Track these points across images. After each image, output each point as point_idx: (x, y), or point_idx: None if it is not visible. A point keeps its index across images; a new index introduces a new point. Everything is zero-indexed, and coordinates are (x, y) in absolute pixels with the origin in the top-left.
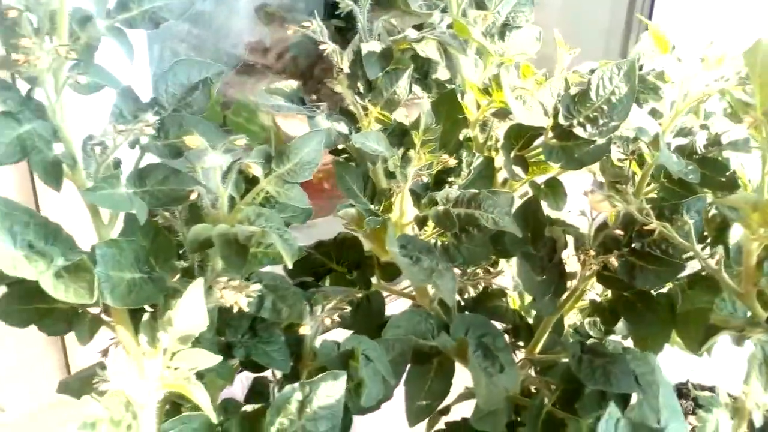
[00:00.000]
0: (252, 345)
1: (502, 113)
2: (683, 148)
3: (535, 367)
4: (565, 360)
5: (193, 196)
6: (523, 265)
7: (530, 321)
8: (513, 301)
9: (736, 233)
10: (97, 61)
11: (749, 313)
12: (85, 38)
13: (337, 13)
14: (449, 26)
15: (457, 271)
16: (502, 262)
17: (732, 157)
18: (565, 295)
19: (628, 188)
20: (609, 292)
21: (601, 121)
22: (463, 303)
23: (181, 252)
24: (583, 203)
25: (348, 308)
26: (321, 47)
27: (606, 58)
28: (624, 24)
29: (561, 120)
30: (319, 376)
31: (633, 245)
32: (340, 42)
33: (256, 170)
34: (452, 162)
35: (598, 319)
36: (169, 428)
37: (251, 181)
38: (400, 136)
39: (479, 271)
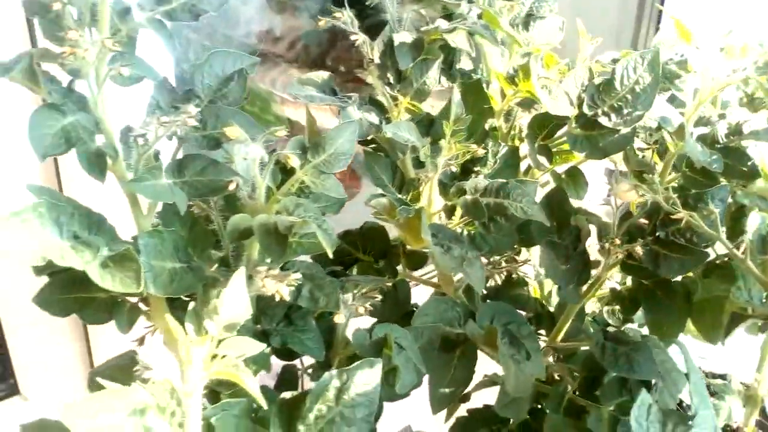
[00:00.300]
0: (287, 333)
1: (527, 103)
2: (705, 137)
3: (558, 354)
4: (586, 348)
5: (232, 187)
6: (548, 253)
7: (551, 309)
8: (534, 289)
9: (753, 222)
10: None
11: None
12: (126, 30)
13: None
14: (479, 16)
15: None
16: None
17: (751, 146)
18: (588, 284)
19: (654, 177)
20: (628, 281)
21: (625, 111)
22: (485, 291)
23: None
24: (598, 192)
25: (379, 297)
26: (352, 38)
27: (617, 48)
28: (635, 13)
29: (585, 109)
30: (356, 363)
31: (657, 234)
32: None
33: (294, 161)
34: (481, 152)
35: (617, 307)
36: (211, 414)
37: (286, 172)
38: (427, 126)
39: (499, 259)
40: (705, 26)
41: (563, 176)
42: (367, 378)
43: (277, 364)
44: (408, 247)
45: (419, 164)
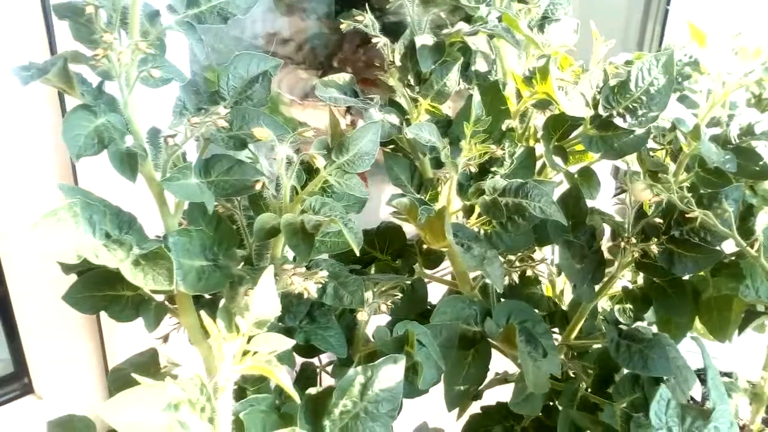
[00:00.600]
0: (311, 330)
1: (543, 104)
2: (717, 137)
3: (572, 352)
4: (598, 346)
5: (258, 186)
6: (564, 252)
7: (564, 308)
8: (547, 288)
9: (761, 221)
10: None
11: None
12: (155, 33)
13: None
14: (498, 19)
15: None
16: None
17: (761, 146)
18: (602, 282)
19: (669, 177)
20: (639, 280)
21: (640, 112)
22: (500, 291)
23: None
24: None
25: (399, 295)
26: (374, 40)
27: (624, 49)
28: (642, 14)
29: (601, 110)
30: (380, 359)
31: (672, 233)
32: (360, 33)
33: (320, 161)
34: (499, 152)
35: (627, 306)
36: (240, 410)
37: (309, 172)
38: (445, 127)
39: (512, 258)
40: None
41: (576, 176)
42: (390, 374)
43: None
44: (424, 246)
45: (437, 165)
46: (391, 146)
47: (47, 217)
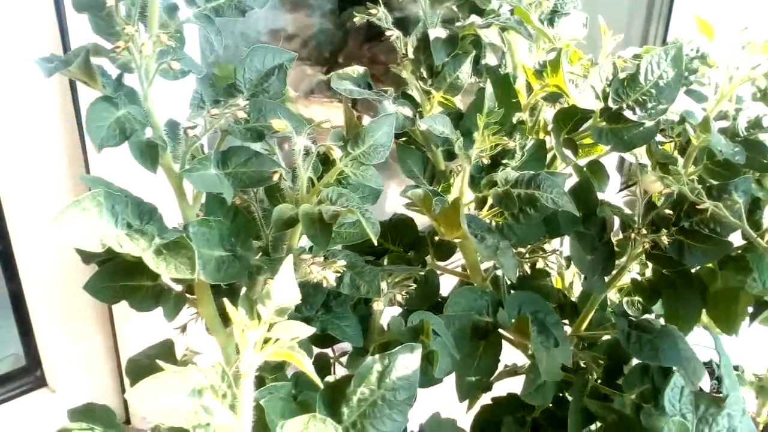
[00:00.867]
0: (327, 320)
1: (553, 97)
2: (725, 130)
3: (582, 343)
4: (608, 337)
5: (275, 178)
6: (575, 243)
7: (573, 299)
8: (557, 280)
9: None
10: None
11: None
12: (173, 26)
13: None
14: (511, 12)
15: None
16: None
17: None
18: (612, 274)
19: (679, 169)
20: (647, 273)
21: (649, 104)
22: (510, 282)
23: None
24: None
25: (413, 285)
26: (387, 33)
27: (627, 44)
28: (645, 9)
29: (611, 103)
30: (397, 348)
31: (682, 224)
32: (365, 29)
33: (337, 152)
34: (512, 144)
35: (636, 298)
36: (260, 397)
37: (325, 164)
38: (456, 120)
39: (522, 250)
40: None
41: (584, 169)
42: (407, 362)
43: None
44: (436, 238)
45: (449, 157)
46: (404, 139)
47: (72, 206)
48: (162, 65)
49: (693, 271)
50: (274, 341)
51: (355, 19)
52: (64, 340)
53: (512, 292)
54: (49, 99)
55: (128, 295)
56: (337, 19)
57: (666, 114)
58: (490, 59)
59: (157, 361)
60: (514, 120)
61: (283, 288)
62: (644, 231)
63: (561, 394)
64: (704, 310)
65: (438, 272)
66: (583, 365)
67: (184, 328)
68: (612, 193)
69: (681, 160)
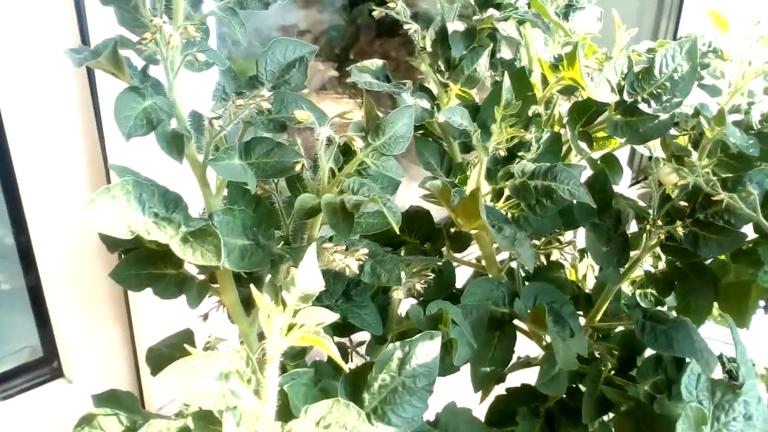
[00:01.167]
0: (347, 308)
1: (569, 90)
2: (738, 124)
3: (597, 334)
4: (621, 328)
5: (297, 168)
6: (590, 235)
7: (587, 291)
8: (571, 272)
9: None
10: None
11: None
12: (199, 18)
13: None
14: (528, 5)
15: None
16: None
17: None
18: (627, 265)
19: (695, 161)
20: (660, 265)
21: (664, 98)
22: (524, 274)
23: None
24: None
25: (432, 275)
26: (405, 27)
27: (637, 41)
28: (656, 3)
29: (626, 96)
30: (417, 336)
31: (697, 216)
32: (376, 25)
33: (359, 143)
34: (528, 136)
35: (649, 290)
36: (283, 383)
37: (345, 154)
38: (473, 112)
39: (537, 243)
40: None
41: (599, 163)
42: (427, 350)
43: None
44: (452, 229)
45: (466, 149)
46: (421, 131)
47: (102, 194)
48: (187, 57)
49: (707, 263)
50: (299, 327)
51: (374, 13)
52: (81, 332)
53: (526, 283)
54: (68, 92)
55: (153, 282)
56: (348, 16)
57: (680, 107)
58: (505, 54)
59: (186, 346)
60: (530, 113)
61: (307, 275)
62: (659, 222)
63: (574, 386)
64: (716, 304)
65: (453, 264)
66: (597, 355)
67: (205, 317)
68: (623, 188)
69: (695, 153)
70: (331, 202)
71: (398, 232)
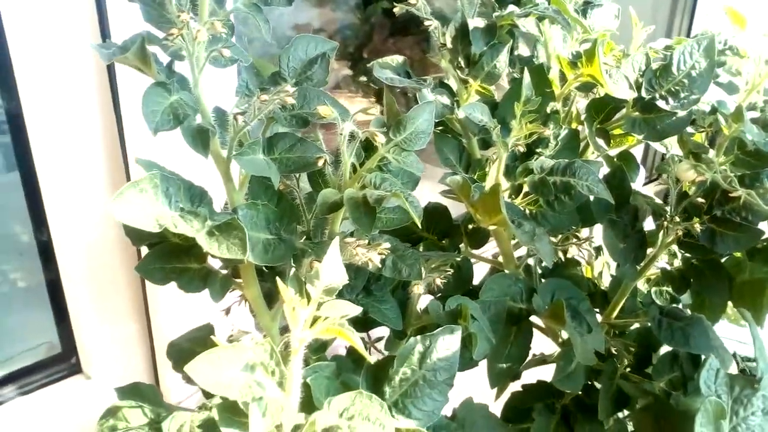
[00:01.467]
0: (368, 303)
1: (587, 87)
2: (755, 121)
3: (613, 330)
4: (637, 326)
5: (320, 163)
6: (608, 231)
7: (603, 288)
8: (587, 270)
9: None
10: None
11: None
12: (223, 14)
13: None
14: (548, 2)
15: None
16: None
17: None
18: (644, 262)
19: (712, 157)
20: (675, 263)
21: (682, 94)
22: (540, 271)
23: None
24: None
25: (451, 271)
26: (426, 23)
27: (651, 39)
28: (670, 1)
29: (644, 93)
30: (438, 330)
31: (714, 212)
32: (389, 24)
33: (381, 138)
34: (547, 132)
35: (664, 288)
36: (306, 376)
37: (366, 150)
38: (492, 109)
39: (554, 240)
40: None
41: (616, 160)
42: (448, 344)
43: None
44: (470, 226)
45: (485, 146)
46: (440, 128)
47: (131, 187)
48: (213, 53)
49: (721, 261)
50: (323, 319)
51: (395, 10)
52: (100, 328)
53: (543, 280)
54: (88, 89)
55: (177, 276)
56: (362, 14)
57: (697, 104)
58: (522, 50)
59: (212, 337)
60: (548, 110)
61: (331, 268)
62: (677, 219)
63: (590, 383)
64: (730, 303)
65: (471, 260)
66: (614, 351)
67: (228, 311)
68: (637, 187)
69: (712, 151)
70: (354, 197)
71: (420, 226)
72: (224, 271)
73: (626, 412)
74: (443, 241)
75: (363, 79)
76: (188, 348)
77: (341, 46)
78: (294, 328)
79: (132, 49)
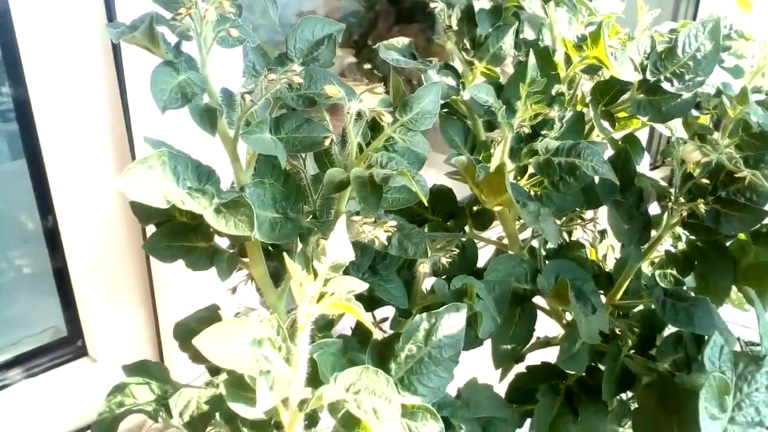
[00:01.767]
0: (374, 282)
1: (592, 69)
2: (760, 103)
3: (617, 311)
4: (641, 308)
5: (327, 143)
6: (613, 212)
7: (607, 270)
8: (591, 252)
9: None
10: None
11: None
12: None
13: None
14: None
15: None
16: None
17: None
18: (649, 243)
19: (717, 139)
20: (680, 245)
21: (687, 77)
22: (544, 253)
23: None
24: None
25: (456, 250)
26: (432, 5)
27: (657, 21)
28: None
29: (649, 75)
30: (443, 307)
31: (719, 193)
32: (394, 11)
33: (388, 117)
34: (553, 113)
35: (668, 271)
36: (313, 351)
37: (373, 130)
38: (497, 90)
39: (559, 222)
40: None
41: (620, 143)
42: (453, 321)
43: None
44: (475, 208)
45: (490, 127)
46: (445, 110)
47: (139, 163)
48: (220, 33)
49: (725, 243)
50: (329, 295)
51: None
52: (106, 312)
53: (547, 262)
54: (94, 74)
55: (184, 254)
56: (366, 2)
57: (702, 86)
58: (527, 34)
59: (219, 313)
60: (553, 92)
61: (337, 245)
62: (681, 200)
63: (594, 364)
64: (734, 288)
65: (475, 242)
66: (618, 332)
67: (234, 290)
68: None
69: (717, 133)
70: (360, 176)
71: (426, 204)
72: (231, 251)
73: (630, 394)
74: (448, 223)
75: (368, 66)
76: (195, 328)
77: (346, 33)
78: (301, 303)
79: (141, 29)
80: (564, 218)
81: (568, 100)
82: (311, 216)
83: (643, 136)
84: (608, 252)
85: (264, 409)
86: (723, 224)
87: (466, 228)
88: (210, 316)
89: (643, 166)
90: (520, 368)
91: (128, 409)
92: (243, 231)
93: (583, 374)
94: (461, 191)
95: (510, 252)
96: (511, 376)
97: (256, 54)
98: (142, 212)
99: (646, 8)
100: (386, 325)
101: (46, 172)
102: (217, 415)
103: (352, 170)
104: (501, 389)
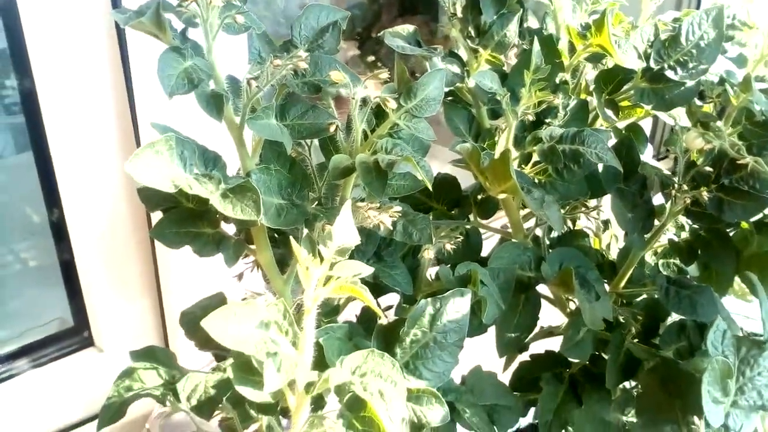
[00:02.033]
0: (378, 269)
1: (596, 57)
2: (764, 92)
3: (621, 300)
4: (644, 296)
5: (332, 129)
6: (616, 200)
7: (611, 259)
8: (595, 241)
9: None
10: None
11: None
12: None
13: None
14: None
15: None
16: None
17: None
18: (652, 231)
19: (721, 125)
20: (683, 234)
21: (690, 65)
22: (548, 242)
23: None
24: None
25: (461, 237)
26: None
27: (662, 9)
28: None
29: (652, 63)
30: (448, 293)
31: (722, 181)
32: (397, 3)
33: (392, 104)
34: (557, 101)
35: (671, 260)
36: (319, 336)
37: (377, 117)
38: (501, 78)
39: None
40: None
41: (624, 132)
42: (458, 306)
43: None
44: (479, 196)
45: (494, 115)
46: (450, 98)
47: (147, 148)
48: (226, 19)
49: (728, 232)
50: (335, 279)
51: None
52: (112, 302)
53: (551, 250)
54: (100, 64)
55: (191, 240)
56: None
57: (705, 75)
58: (531, 23)
59: (227, 298)
60: (557, 80)
61: (343, 229)
62: (685, 187)
63: (597, 353)
64: (737, 278)
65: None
66: (621, 321)
67: (240, 277)
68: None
69: (720, 122)
70: (365, 161)
71: (430, 191)
72: (237, 237)
73: (633, 383)
74: (453, 212)
75: (371, 59)
76: (201, 316)
77: (349, 26)
78: (307, 287)
79: (147, 14)
80: (568, 207)
81: (572, 89)
82: (317, 202)
83: (646, 128)
84: (612, 242)
85: (271, 390)
86: (726, 212)
87: (471, 216)
88: (215, 304)
89: (647, 157)
90: (523, 358)
91: (136, 393)
92: (250, 216)
93: (587, 362)
94: (465, 180)
95: (514, 240)
96: (514, 367)
97: (262, 41)
98: (150, 198)
99: None
100: (390, 314)
101: (53, 163)
102: (225, 399)
103: (357, 156)
104: (505, 380)
